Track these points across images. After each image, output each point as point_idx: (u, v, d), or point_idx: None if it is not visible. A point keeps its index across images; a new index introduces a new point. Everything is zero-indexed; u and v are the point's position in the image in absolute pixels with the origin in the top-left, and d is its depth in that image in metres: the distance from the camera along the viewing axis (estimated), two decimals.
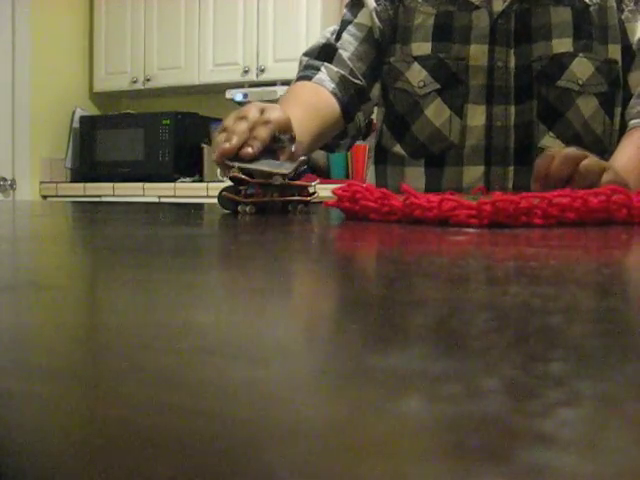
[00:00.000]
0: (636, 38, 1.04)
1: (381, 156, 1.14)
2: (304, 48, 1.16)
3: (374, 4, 1.10)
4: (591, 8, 1.04)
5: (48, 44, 3.62)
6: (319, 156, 3.20)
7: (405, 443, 0.11)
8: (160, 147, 3.43)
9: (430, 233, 0.57)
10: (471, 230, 0.57)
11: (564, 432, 0.11)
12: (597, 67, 1.04)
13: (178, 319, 0.21)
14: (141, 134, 3.49)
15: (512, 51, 1.04)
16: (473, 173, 1.04)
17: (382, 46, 1.10)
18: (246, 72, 3.38)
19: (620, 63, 1.05)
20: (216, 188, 2.80)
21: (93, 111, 3.86)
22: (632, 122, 1.03)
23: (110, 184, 3.40)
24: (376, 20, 1.09)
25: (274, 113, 0.80)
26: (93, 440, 0.11)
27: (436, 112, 1.05)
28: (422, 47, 1.07)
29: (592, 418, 0.12)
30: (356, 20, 1.10)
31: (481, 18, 1.05)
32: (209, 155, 3.39)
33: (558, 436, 0.11)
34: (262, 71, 3.31)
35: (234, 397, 0.13)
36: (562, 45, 1.03)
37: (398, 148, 1.10)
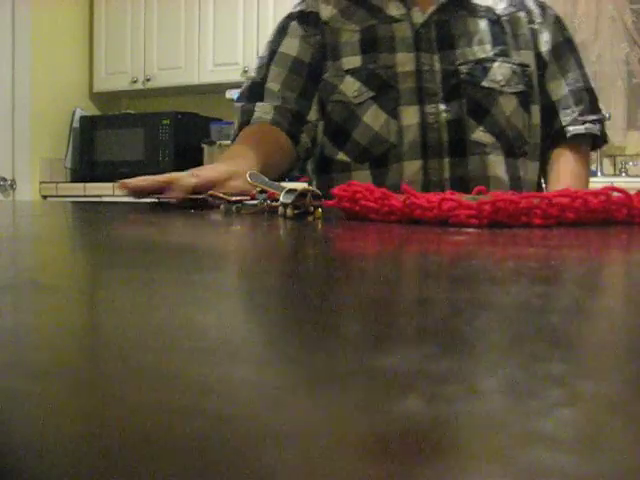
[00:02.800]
0: (545, 49, 1.19)
1: (324, 165, 1.22)
2: None
3: (301, 32, 1.20)
4: (502, 19, 1.18)
5: (48, 44, 3.62)
6: None
7: (405, 443, 0.11)
8: (160, 147, 3.43)
9: (429, 233, 0.57)
10: (471, 230, 0.57)
11: (564, 432, 0.11)
12: (513, 70, 1.16)
13: (179, 319, 0.21)
14: (141, 134, 3.49)
15: (436, 56, 1.15)
16: (412, 167, 1.12)
17: (313, 67, 1.18)
18: (246, 72, 3.38)
19: (533, 67, 1.18)
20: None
21: (93, 111, 3.86)
22: (570, 128, 1.17)
23: (110, 184, 3.40)
24: (305, 45, 1.19)
25: (207, 172, 0.91)
26: (93, 440, 0.11)
27: (373, 117, 1.14)
28: (352, 61, 1.16)
29: (592, 418, 0.12)
30: (281, 50, 1.20)
31: (403, 29, 1.16)
32: (209, 155, 3.39)
33: (558, 436, 0.11)
34: None
35: (234, 397, 0.13)
36: (482, 51, 1.15)
37: (342, 155, 1.18)
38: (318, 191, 0.74)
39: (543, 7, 1.22)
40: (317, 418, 0.12)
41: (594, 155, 3.19)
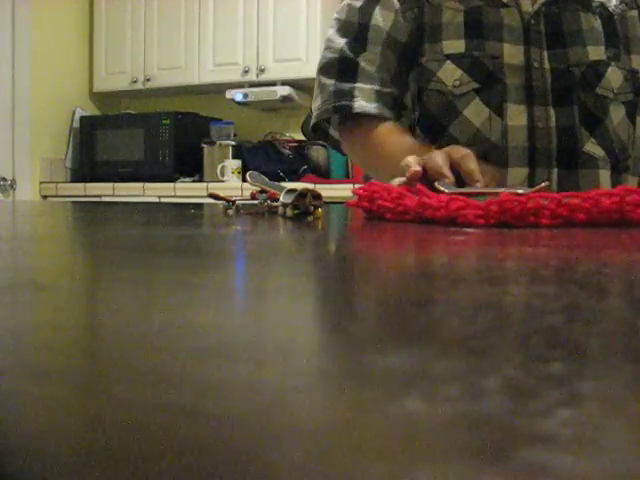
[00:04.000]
0: None
1: None
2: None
3: (397, 4, 1.05)
4: (615, 18, 1.05)
5: (48, 44, 3.62)
6: (319, 156, 3.21)
7: (405, 443, 0.11)
8: (160, 147, 3.43)
9: (436, 232, 0.57)
10: (479, 230, 0.57)
11: (564, 432, 0.11)
12: (625, 76, 1.05)
13: (179, 319, 0.21)
14: (141, 134, 3.49)
15: (546, 53, 1.02)
16: (517, 174, 1.01)
17: (408, 48, 1.05)
18: (246, 72, 3.38)
19: None
20: (216, 188, 2.80)
21: (93, 111, 3.86)
22: None
23: (110, 184, 3.40)
24: (402, 20, 1.04)
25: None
26: (93, 440, 0.11)
27: (476, 112, 1.01)
28: (454, 45, 1.02)
29: (592, 418, 0.12)
30: (373, 22, 1.05)
31: (512, 17, 1.02)
32: (209, 155, 3.39)
33: (558, 436, 0.11)
34: (262, 71, 3.31)
35: (234, 397, 0.13)
36: (596, 52, 1.03)
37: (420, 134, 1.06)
38: (318, 191, 0.74)
39: None
40: (317, 418, 0.12)
41: None
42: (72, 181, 3.70)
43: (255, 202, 0.83)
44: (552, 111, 1.01)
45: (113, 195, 3.39)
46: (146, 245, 0.49)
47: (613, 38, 1.05)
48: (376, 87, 1.04)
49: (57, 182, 3.61)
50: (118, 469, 0.10)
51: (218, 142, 3.37)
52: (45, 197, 3.60)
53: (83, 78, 3.85)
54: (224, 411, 0.12)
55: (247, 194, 0.90)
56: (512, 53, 1.02)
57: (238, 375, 0.15)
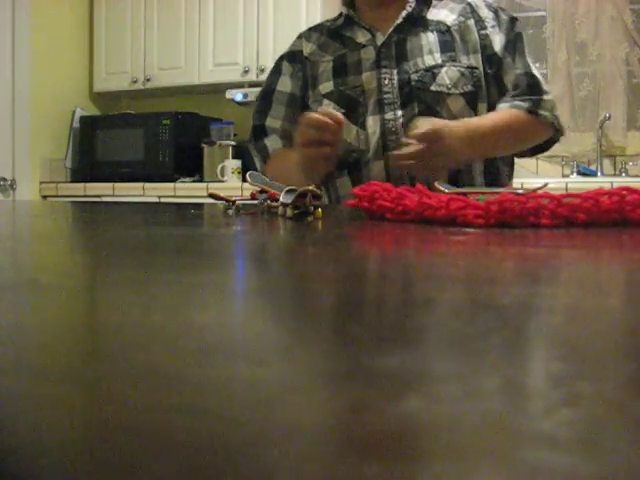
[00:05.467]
0: (498, 48, 1.32)
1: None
2: None
3: (290, 70, 1.41)
4: (452, 28, 1.33)
5: (48, 44, 3.62)
6: None
7: (405, 443, 0.11)
8: (160, 147, 3.43)
9: (436, 233, 0.57)
10: (479, 230, 0.57)
11: (564, 432, 0.11)
12: (462, 72, 1.30)
13: (179, 319, 0.21)
14: (141, 134, 3.49)
15: (395, 70, 1.31)
16: (377, 167, 1.29)
17: (302, 97, 1.38)
18: (246, 72, 3.38)
19: (481, 68, 1.31)
20: (216, 188, 2.80)
21: (93, 111, 3.86)
22: (500, 105, 1.30)
23: (110, 184, 3.40)
24: (295, 81, 1.39)
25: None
26: (93, 440, 0.11)
27: (347, 132, 1.26)
28: (326, 86, 1.35)
29: (592, 418, 0.12)
30: (278, 88, 1.41)
31: (368, 52, 1.33)
32: (209, 155, 3.39)
33: (558, 436, 0.11)
34: (262, 71, 3.31)
35: (234, 397, 0.13)
36: (432, 59, 1.31)
37: None
38: (318, 191, 0.74)
39: (496, 11, 1.37)
40: (317, 418, 0.12)
41: (594, 155, 3.19)
42: (72, 181, 3.70)
43: (255, 202, 0.83)
44: (399, 113, 1.30)
45: (113, 195, 3.39)
46: (146, 245, 0.49)
47: (449, 45, 1.32)
48: (279, 134, 1.38)
49: (57, 182, 3.61)
50: (118, 468, 0.10)
51: (218, 142, 3.37)
52: (45, 197, 3.60)
53: (83, 78, 3.85)
54: (224, 411, 0.12)
55: (247, 194, 0.90)
56: (369, 79, 1.32)
57: (238, 375, 0.15)
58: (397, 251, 0.48)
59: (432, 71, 1.30)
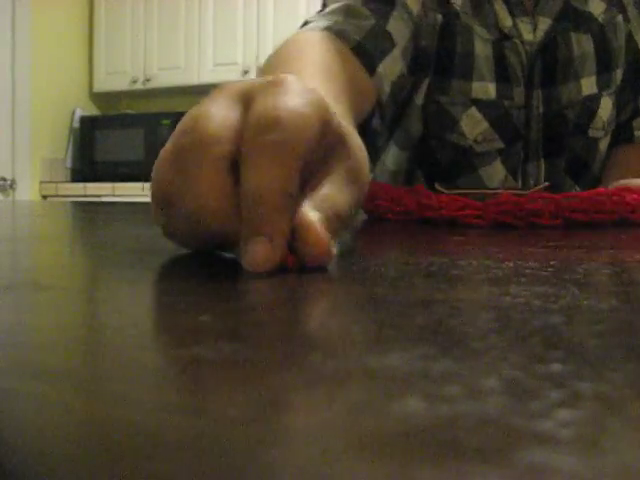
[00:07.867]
0: None
1: (387, 175, 0.92)
2: None
3: (418, 7, 0.75)
4: (606, 29, 0.84)
5: (48, 44, 3.62)
6: None
7: (405, 443, 0.11)
8: (160, 147, 3.42)
9: (436, 233, 0.57)
10: (479, 230, 0.57)
11: (564, 432, 0.11)
12: (613, 102, 0.88)
13: (179, 319, 0.21)
14: (141, 134, 3.49)
15: (540, 92, 0.82)
16: None
17: (414, 75, 0.78)
18: (246, 72, 3.38)
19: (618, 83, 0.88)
20: None
21: (93, 111, 3.86)
22: (637, 133, 0.91)
23: (110, 184, 3.40)
24: (415, 33, 0.75)
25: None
26: (93, 440, 0.11)
27: (492, 174, 0.83)
28: (485, 88, 0.78)
29: (592, 418, 0.12)
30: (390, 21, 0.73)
31: (514, 51, 0.79)
32: None
33: (558, 436, 0.11)
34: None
35: (234, 397, 0.13)
36: (589, 85, 0.83)
37: (421, 178, 0.89)
38: None
39: None
40: (317, 418, 0.12)
41: None
42: (72, 181, 3.70)
43: None
44: (542, 164, 0.85)
45: (113, 195, 3.39)
46: (147, 245, 0.49)
47: (605, 60, 0.84)
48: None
49: (57, 182, 3.61)
50: (118, 469, 0.10)
51: None
52: (45, 197, 3.60)
53: (83, 78, 3.85)
54: (224, 411, 0.12)
55: None
56: (521, 99, 0.81)
57: (238, 375, 0.15)
58: (397, 251, 0.48)
59: (589, 106, 0.84)
